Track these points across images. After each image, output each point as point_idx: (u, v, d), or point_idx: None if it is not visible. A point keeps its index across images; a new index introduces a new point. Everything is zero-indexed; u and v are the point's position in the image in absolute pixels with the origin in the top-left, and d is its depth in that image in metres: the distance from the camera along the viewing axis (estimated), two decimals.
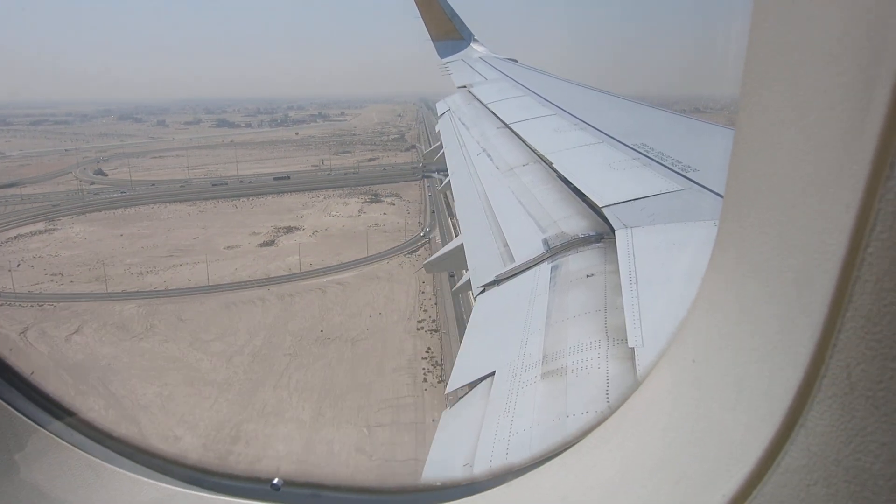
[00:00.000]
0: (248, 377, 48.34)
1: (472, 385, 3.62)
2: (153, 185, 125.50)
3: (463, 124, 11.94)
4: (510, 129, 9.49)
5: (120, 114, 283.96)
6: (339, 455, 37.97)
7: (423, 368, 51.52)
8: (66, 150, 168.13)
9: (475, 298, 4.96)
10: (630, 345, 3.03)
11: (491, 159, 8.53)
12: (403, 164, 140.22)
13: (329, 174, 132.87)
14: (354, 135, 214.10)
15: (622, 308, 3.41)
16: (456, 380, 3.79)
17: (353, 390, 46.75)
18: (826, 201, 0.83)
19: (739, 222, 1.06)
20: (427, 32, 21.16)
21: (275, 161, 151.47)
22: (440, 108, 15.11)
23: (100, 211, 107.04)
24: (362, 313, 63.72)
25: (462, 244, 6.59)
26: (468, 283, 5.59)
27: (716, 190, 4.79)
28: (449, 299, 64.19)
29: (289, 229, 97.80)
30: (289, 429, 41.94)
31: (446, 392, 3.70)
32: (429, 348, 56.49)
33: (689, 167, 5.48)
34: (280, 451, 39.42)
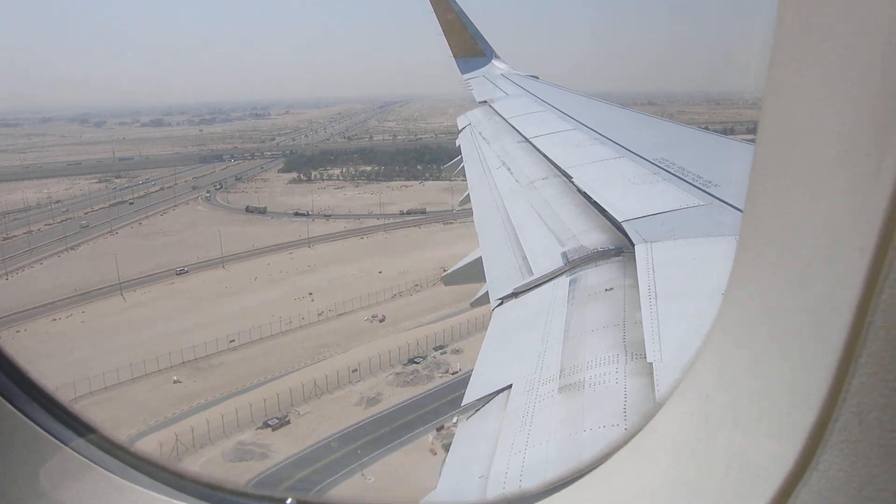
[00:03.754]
0: None
1: (489, 398, 3.62)
2: None
3: (483, 138, 12.00)
4: (530, 143, 9.52)
5: (72, 118, 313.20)
6: None
7: None
8: None
9: (493, 311, 4.95)
10: (648, 360, 3.00)
11: (511, 173, 8.56)
12: (224, 152, 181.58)
13: (138, 160, 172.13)
14: (256, 130, 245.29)
15: (641, 323, 3.39)
16: (472, 392, 3.78)
17: None
18: (840, 245, 0.82)
19: (754, 264, 1.06)
20: (449, 49, 21.39)
21: (137, 151, 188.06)
22: (461, 122, 15.22)
23: None
24: None
25: (481, 256, 6.60)
26: (486, 296, 5.59)
27: (737, 205, 4.73)
28: None
29: None
30: None
31: (463, 404, 3.69)
32: None
33: (709, 182, 5.43)
34: None
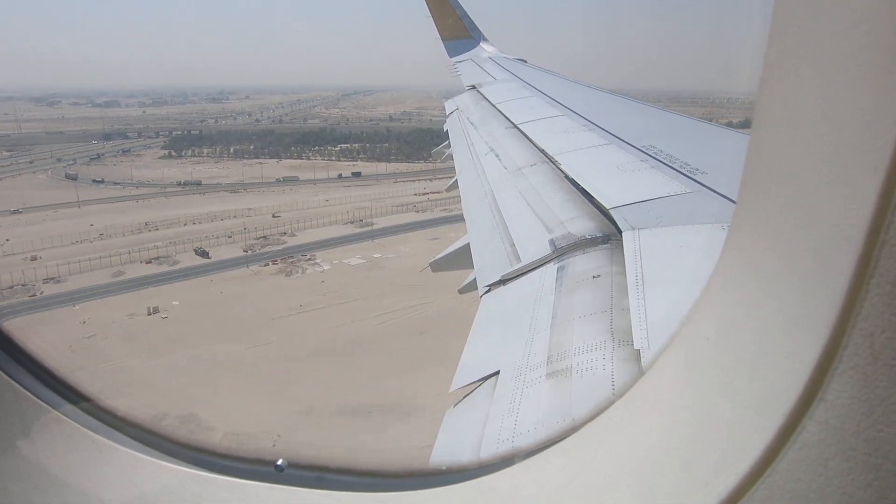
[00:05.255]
0: None
1: (476, 384, 3.63)
2: None
3: (471, 124, 11.93)
4: (518, 129, 9.48)
5: (35, 98, 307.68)
6: None
7: None
8: None
9: (481, 297, 4.96)
10: (635, 346, 3.02)
11: (499, 159, 8.52)
12: (132, 131, 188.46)
13: (68, 135, 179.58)
14: (198, 113, 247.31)
15: (628, 309, 3.41)
16: (460, 378, 3.79)
17: None
18: (852, 164, 0.79)
19: (758, 194, 1.02)
20: (437, 32, 21.15)
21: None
22: (448, 107, 15.10)
23: None
24: None
25: (468, 243, 6.59)
26: (474, 283, 5.59)
27: (724, 193, 4.77)
28: None
29: None
30: None
31: (450, 390, 3.70)
32: None
33: (697, 170, 5.46)
34: None
